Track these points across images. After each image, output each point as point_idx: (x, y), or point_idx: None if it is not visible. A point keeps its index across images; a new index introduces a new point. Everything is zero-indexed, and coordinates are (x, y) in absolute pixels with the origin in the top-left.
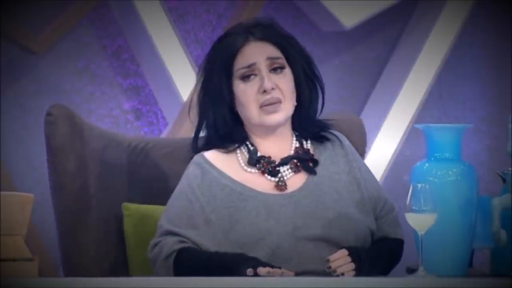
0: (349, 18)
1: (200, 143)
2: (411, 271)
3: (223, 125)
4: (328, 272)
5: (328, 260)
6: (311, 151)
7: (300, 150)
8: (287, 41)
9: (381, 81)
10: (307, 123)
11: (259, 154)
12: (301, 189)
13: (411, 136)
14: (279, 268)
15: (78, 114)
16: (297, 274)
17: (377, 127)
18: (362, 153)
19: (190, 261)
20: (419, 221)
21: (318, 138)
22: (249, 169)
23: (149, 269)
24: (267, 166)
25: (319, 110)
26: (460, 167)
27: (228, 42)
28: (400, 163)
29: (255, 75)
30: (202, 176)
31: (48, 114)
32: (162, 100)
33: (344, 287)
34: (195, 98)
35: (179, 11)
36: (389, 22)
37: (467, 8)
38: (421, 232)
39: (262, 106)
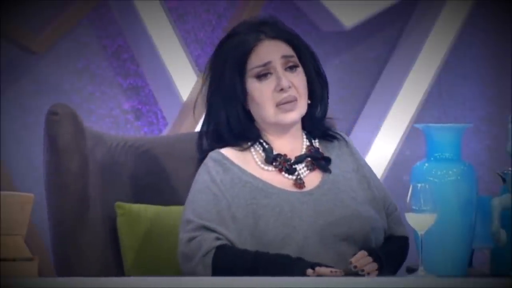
0: (349, 18)
1: (204, 142)
2: (411, 270)
3: (237, 123)
4: (352, 272)
5: (351, 262)
6: (321, 150)
7: (312, 149)
8: (298, 39)
9: (381, 81)
10: (318, 122)
11: (274, 152)
12: (319, 187)
13: (410, 136)
14: (332, 267)
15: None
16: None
17: (377, 127)
18: None
19: (230, 259)
20: (419, 221)
21: (325, 137)
22: (266, 167)
23: (143, 268)
24: (284, 164)
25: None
26: (460, 167)
27: (239, 41)
28: (400, 163)
29: (271, 73)
30: (223, 172)
31: (53, 113)
32: (162, 100)
33: (346, 287)
34: (200, 98)
35: (179, 11)
36: (389, 22)
37: (466, 8)
38: (421, 232)
39: (278, 104)
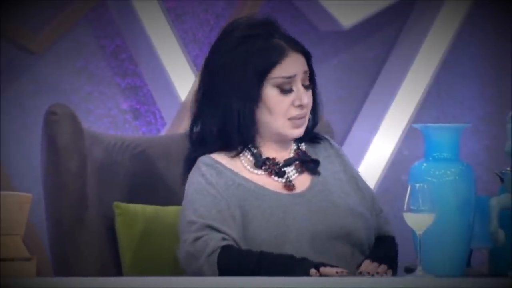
0: (347, 18)
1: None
2: (409, 270)
3: (249, 125)
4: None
5: (360, 273)
6: (308, 153)
7: (300, 152)
8: (310, 55)
9: (380, 81)
10: (309, 131)
11: (263, 156)
12: (309, 188)
13: (409, 136)
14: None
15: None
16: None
17: (376, 127)
18: None
19: (235, 259)
20: (417, 221)
21: (311, 139)
22: (256, 171)
23: (142, 268)
24: (273, 168)
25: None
26: (458, 167)
27: (263, 47)
28: (398, 162)
29: (292, 87)
30: (217, 175)
31: (52, 113)
32: (160, 100)
33: (345, 287)
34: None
35: (177, 11)
36: (387, 22)
37: (465, 7)
38: (419, 232)
39: (291, 119)
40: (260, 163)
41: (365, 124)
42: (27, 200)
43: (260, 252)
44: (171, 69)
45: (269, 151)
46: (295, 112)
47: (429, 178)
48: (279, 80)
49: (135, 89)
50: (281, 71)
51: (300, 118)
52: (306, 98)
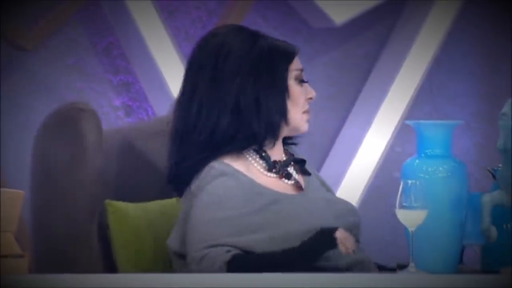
0: (339, 15)
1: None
2: (401, 267)
3: (280, 119)
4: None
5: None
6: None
7: (289, 153)
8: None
9: (372, 78)
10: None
11: (272, 159)
12: (308, 188)
13: (401, 133)
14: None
15: None
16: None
17: (368, 124)
18: None
19: (248, 265)
20: (409, 217)
21: (287, 141)
22: (269, 174)
23: (135, 265)
24: (283, 170)
25: None
26: (451, 163)
27: (278, 42)
28: (391, 159)
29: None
30: (236, 186)
31: (80, 109)
32: (153, 96)
33: (334, 283)
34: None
35: (169, 8)
36: (379, 19)
37: (457, 4)
38: (411, 228)
39: (305, 112)
40: (271, 166)
41: (357, 121)
42: (19, 197)
43: (275, 252)
44: (163, 66)
45: (273, 152)
46: (307, 105)
47: (422, 175)
48: (297, 73)
49: (127, 85)
50: (296, 63)
51: (309, 112)
52: (313, 91)
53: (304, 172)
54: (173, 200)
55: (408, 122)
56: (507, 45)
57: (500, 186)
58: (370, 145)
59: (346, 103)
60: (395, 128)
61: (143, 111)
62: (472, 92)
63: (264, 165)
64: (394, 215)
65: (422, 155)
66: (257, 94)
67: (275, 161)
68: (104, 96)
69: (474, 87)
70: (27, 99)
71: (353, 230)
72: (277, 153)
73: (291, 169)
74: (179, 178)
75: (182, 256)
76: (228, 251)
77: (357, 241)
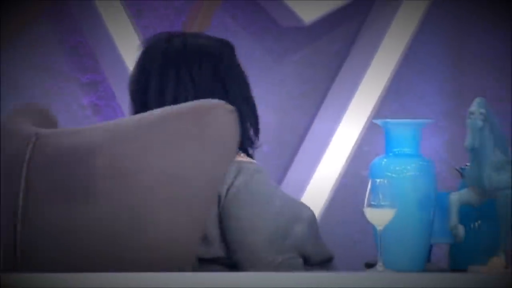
0: (308, 14)
1: None
2: (369, 266)
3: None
4: None
5: None
6: None
7: None
8: None
9: (340, 76)
10: None
11: None
12: None
13: (369, 132)
14: None
15: None
16: None
17: (336, 122)
18: None
19: None
20: (378, 216)
21: None
22: None
23: None
24: None
25: None
26: (419, 162)
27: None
28: (359, 158)
29: None
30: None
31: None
32: (121, 95)
33: (299, 282)
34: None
35: (137, 6)
36: (348, 17)
37: (425, 4)
38: (379, 227)
39: None
40: None
41: (325, 119)
42: None
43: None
44: (131, 64)
45: None
46: None
47: (390, 174)
48: None
49: (95, 84)
50: None
51: None
52: None
53: None
54: None
55: (376, 121)
56: (474, 45)
57: (468, 185)
58: (338, 144)
59: (316, 101)
60: (364, 127)
61: (111, 110)
62: (440, 91)
63: None
64: (362, 214)
65: (390, 154)
66: (251, 98)
67: None
68: (72, 95)
69: (442, 86)
70: None
71: None
72: None
73: None
74: None
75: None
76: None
77: None
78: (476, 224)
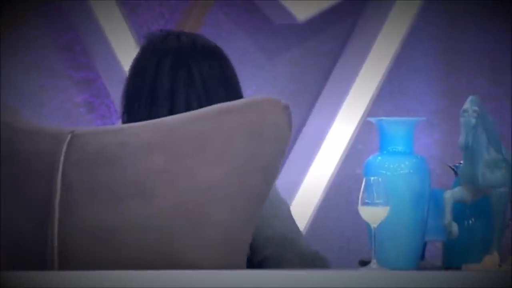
0: (302, 12)
1: None
2: (363, 263)
3: None
4: None
5: None
6: None
7: None
8: None
9: (333, 75)
10: None
11: None
12: None
13: (363, 130)
14: None
15: None
16: None
17: (330, 121)
18: None
19: None
20: (372, 214)
21: None
22: None
23: None
24: None
25: None
26: (413, 160)
27: None
28: (353, 156)
29: None
30: None
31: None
32: (115, 93)
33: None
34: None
35: (131, 4)
36: (342, 16)
37: (418, 3)
38: (373, 225)
39: None
40: None
41: (319, 118)
42: None
43: None
44: (125, 62)
45: None
46: None
47: (384, 172)
48: None
49: (89, 82)
50: None
51: None
52: None
53: None
54: None
55: (370, 119)
56: (467, 44)
57: (461, 182)
58: (332, 142)
59: (308, 100)
60: (357, 125)
61: (105, 108)
62: (433, 89)
63: None
64: (356, 212)
65: (384, 152)
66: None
67: None
68: (65, 93)
69: (435, 84)
70: None
71: None
72: None
73: None
74: None
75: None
76: None
77: None
78: (470, 221)
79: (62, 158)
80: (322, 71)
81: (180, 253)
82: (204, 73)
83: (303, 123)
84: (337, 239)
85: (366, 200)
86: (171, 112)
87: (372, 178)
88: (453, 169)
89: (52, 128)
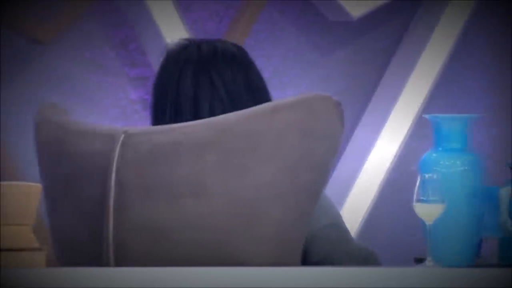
0: (356, 9)
1: None
2: (419, 261)
3: None
4: None
5: None
6: None
7: None
8: None
9: (388, 73)
10: None
11: None
12: None
13: (417, 127)
14: None
15: None
16: None
17: (384, 119)
18: None
19: None
20: (427, 211)
21: None
22: None
23: None
24: None
25: None
26: (468, 157)
27: None
28: (408, 153)
29: None
30: None
31: None
32: None
33: (346, 277)
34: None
35: (186, 1)
36: (396, 13)
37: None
38: (429, 222)
39: None
40: None
41: (373, 115)
42: (36, 190)
43: None
44: None
45: None
46: None
47: (439, 169)
48: None
49: (144, 79)
50: None
51: None
52: None
53: None
54: None
55: (425, 116)
56: None
57: None
58: (387, 139)
59: (361, 98)
60: (412, 122)
61: None
62: (488, 86)
63: None
64: (411, 209)
65: (439, 148)
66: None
67: None
68: (121, 90)
69: (490, 81)
70: (44, 93)
71: None
72: None
73: None
74: None
75: None
76: None
77: None
78: None
79: (116, 158)
80: (376, 68)
81: (234, 251)
82: (226, 79)
83: (357, 121)
84: (392, 236)
85: (422, 197)
86: (196, 120)
87: (427, 175)
88: (510, 167)
89: (105, 127)
